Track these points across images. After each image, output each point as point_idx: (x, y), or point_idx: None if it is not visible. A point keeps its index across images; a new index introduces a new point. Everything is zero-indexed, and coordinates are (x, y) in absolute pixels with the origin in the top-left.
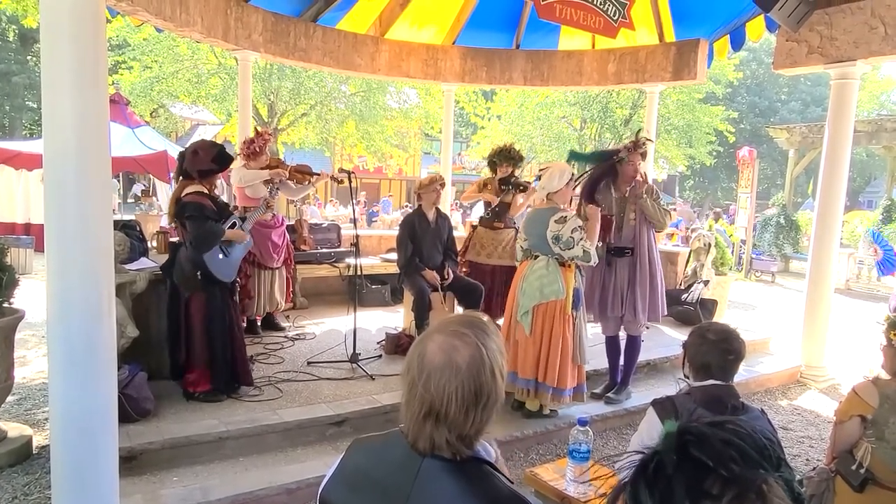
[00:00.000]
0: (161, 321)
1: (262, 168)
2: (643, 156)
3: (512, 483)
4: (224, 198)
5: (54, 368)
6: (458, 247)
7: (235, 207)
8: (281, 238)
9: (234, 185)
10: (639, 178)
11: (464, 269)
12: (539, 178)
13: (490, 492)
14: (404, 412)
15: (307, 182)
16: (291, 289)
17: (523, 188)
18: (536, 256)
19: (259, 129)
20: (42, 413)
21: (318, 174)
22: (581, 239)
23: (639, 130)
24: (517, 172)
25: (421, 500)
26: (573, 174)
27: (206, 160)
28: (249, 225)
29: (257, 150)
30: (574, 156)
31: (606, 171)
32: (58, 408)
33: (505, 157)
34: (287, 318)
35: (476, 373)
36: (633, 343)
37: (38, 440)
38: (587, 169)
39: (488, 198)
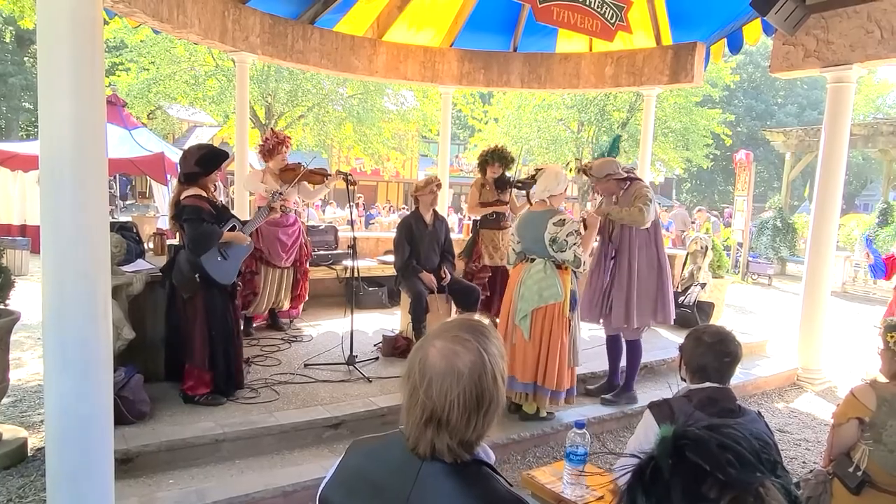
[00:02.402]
0: (158, 323)
1: (281, 170)
2: (593, 179)
3: (511, 485)
4: (222, 199)
5: (50, 370)
6: (461, 249)
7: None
8: (291, 238)
9: (248, 190)
10: (605, 196)
11: (488, 275)
12: (534, 178)
13: (490, 494)
14: (405, 417)
15: (324, 183)
16: (299, 291)
17: (529, 185)
18: (532, 259)
19: (274, 130)
20: (37, 415)
21: (333, 174)
22: (575, 244)
23: (573, 160)
24: (507, 173)
25: (420, 503)
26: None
27: (191, 163)
28: (251, 228)
29: (270, 147)
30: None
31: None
32: (53, 410)
33: (498, 157)
34: (290, 322)
35: (478, 379)
36: (632, 347)
37: (33, 442)
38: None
39: (497, 207)
